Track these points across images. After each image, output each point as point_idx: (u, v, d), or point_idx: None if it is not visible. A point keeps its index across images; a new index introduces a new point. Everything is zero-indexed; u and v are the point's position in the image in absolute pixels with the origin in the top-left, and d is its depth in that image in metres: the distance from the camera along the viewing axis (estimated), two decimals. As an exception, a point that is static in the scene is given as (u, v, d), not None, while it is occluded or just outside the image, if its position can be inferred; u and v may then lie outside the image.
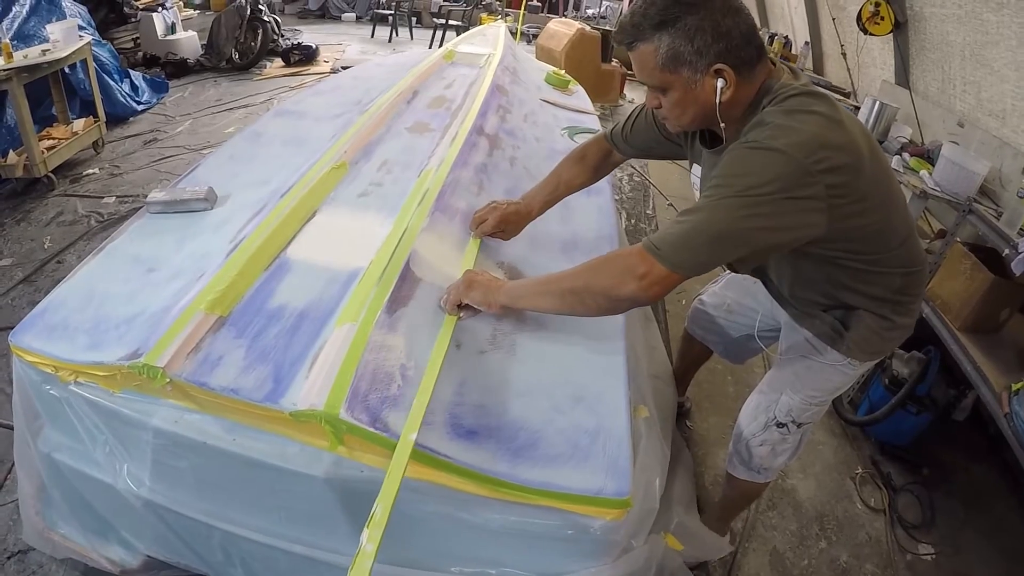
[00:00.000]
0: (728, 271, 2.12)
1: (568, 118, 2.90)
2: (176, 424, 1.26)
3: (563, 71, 3.61)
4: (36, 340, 1.37)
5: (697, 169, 1.57)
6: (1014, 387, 2.22)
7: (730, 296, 2.10)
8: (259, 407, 1.18)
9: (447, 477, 1.16)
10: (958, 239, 2.79)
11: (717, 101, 1.25)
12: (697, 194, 1.48)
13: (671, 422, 2.23)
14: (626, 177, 5.57)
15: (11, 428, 1.56)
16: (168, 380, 1.21)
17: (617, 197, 5.06)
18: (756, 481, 1.96)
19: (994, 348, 2.55)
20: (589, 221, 1.99)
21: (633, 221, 4.75)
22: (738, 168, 1.18)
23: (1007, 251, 2.30)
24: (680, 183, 5.65)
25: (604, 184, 2.14)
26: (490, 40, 3.80)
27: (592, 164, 1.85)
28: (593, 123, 2.89)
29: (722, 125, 1.32)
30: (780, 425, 1.79)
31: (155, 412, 1.27)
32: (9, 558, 1.86)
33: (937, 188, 2.96)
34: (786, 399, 1.76)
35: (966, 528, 2.54)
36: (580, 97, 3.36)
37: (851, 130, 1.22)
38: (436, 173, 1.90)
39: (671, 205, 5.12)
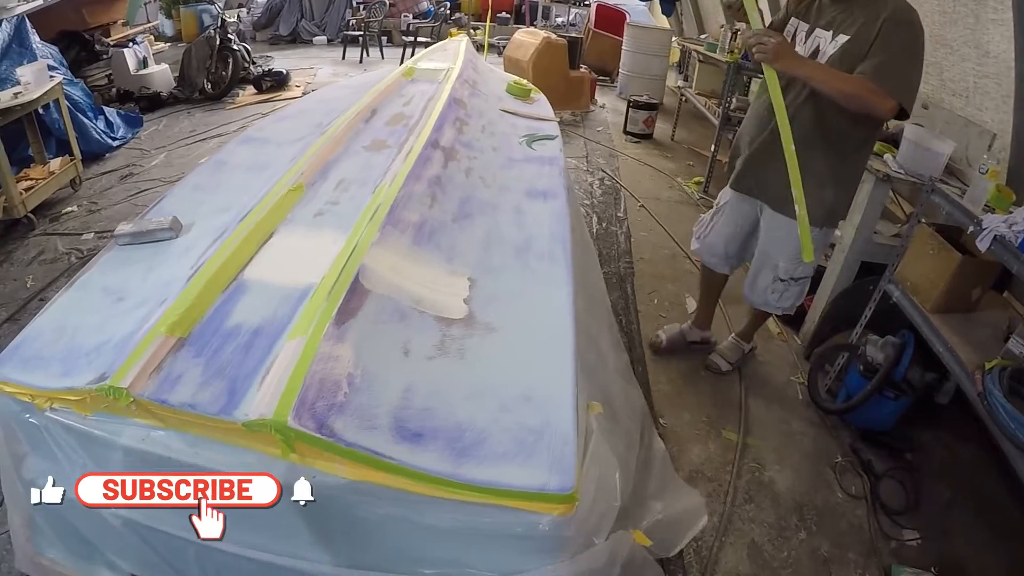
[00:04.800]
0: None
1: (527, 126, 2.93)
2: (143, 442, 1.31)
3: (525, 80, 3.64)
4: (13, 372, 1.42)
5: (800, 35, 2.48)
6: (987, 366, 2.17)
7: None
8: (215, 420, 1.23)
9: (395, 479, 1.19)
10: (923, 220, 2.74)
11: None
12: (804, 36, 2.44)
13: (641, 420, 2.25)
14: (597, 181, 5.61)
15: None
16: (132, 400, 1.26)
17: (588, 201, 5.11)
18: (769, 311, 2.89)
19: (968, 328, 2.49)
20: (543, 225, 2.03)
21: (604, 224, 4.79)
22: (902, 32, 2.13)
23: (972, 228, 2.23)
24: (651, 184, 5.72)
25: (559, 188, 2.20)
26: (451, 54, 3.84)
27: None
28: (553, 129, 2.92)
29: None
30: (782, 280, 2.72)
31: (124, 431, 1.32)
32: (4, 585, 1.89)
33: (900, 171, 2.94)
34: (782, 263, 2.68)
35: (953, 510, 2.51)
36: (541, 105, 3.39)
37: None
38: (389, 188, 1.94)
39: (643, 207, 5.16)
